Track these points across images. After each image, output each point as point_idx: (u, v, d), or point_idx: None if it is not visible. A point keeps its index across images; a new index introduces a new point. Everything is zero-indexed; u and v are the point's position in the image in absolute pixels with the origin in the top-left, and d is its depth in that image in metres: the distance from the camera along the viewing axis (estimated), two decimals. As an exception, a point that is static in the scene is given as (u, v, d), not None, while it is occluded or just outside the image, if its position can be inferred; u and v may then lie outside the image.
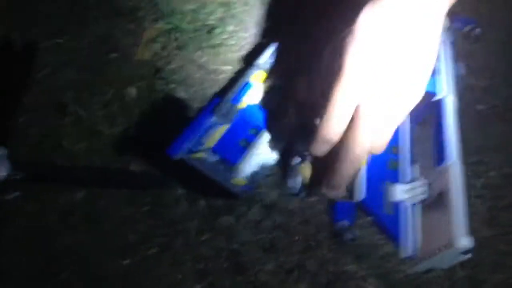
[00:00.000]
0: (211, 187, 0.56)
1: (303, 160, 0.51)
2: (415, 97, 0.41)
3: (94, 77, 0.63)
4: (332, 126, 0.41)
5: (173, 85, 0.63)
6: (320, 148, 0.43)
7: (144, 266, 0.53)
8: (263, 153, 0.55)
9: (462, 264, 0.55)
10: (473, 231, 0.57)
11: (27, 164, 0.54)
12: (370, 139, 0.41)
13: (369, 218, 0.58)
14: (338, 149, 0.43)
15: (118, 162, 0.57)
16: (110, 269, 0.52)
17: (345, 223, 0.55)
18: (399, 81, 0.40)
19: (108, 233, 0.54)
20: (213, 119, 0.52)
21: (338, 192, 0.46)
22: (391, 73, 0.39)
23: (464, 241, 0.46)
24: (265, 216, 0.57)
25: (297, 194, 0.53)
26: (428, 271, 0.55)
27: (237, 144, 0.53)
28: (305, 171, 0.51)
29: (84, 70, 0.64)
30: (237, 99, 0.56)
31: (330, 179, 0.45)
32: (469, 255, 0.48)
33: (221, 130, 0.53)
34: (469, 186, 0.60)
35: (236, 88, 0.59)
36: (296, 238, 0.56)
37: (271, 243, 0.56)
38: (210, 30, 0.67)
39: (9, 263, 0.51)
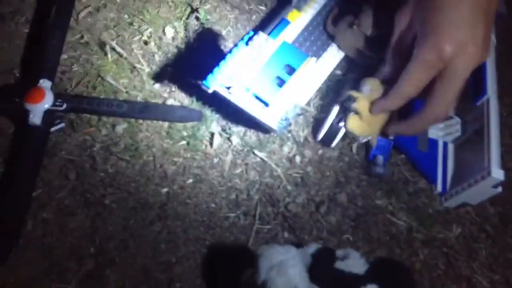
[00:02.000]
0: (245, 122, 0.58)
1: (345, 116, 0.51)
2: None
3: (133, 17, 0.64)
4: (414, 86, 0.45)
5: (208, 25, 0.63)
6: (397, 103, 0.47)
7: (181, 195, 0.55)
8: (295, 93, 0.55)
9: (492, 202, 0.55)
10: (508, 170, 0.56)
11: (71, 97, 0.56)
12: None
13: (402, 156, 0.57)
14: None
15: (157, 97, 0.59)
16: (150, 196, 0.54)
17: (379, 158, 0.55)
18: None
19: (148, 164, 0.56)
20: (248, 51, 0.52)
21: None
22: None
23: (498, 173, 0.46)
24: (297, 152, 0.58)
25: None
26: (459, 207, 0.54)
27: (271, 83, 0.53)
28: (352, 123, 0.51)
29: (123, 10, 0.64)
30: (273, 33, 0.56)
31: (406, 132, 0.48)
32: (499, 190, 0.48)
33: (256, 67, 0.53)
34: (506, 126, 0.59)
35: (271, 24, 0.59)
36: (327, 173, 0.57)
37: (302, 178, 0.56)
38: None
39: (54, 191, 0.53)
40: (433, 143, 0.55)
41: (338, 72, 0.61)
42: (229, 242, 0.52)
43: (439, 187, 0.54)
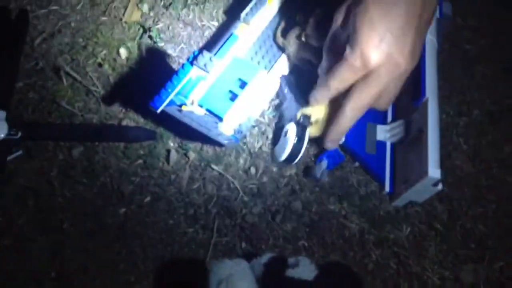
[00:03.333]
0: (201, 138, 0.58)
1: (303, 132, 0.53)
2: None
3: (87, 40, 0.64)
4: (338, 84, 0.47)
5: (161, 44, 0.64)
6: (325, 96, 0.50)
7: (140, 214, 0.55)
8: (248, 106, 0.56)
9: (440, 200, 0.56)
10: (455, 168, 0.58)
11: (26, 124, 0.57)
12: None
13: (355, 164, 0.59)
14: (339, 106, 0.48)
15: (113, 118, 0.59)
16: (108, 217, 0.55)
17: (323, 163, 0.56)
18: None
19: (105, 185, 0.56)
20: (193, 71, 0.53)
21: (335, 143, 0.53)
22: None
23: (435, 173, 0.47)
24: (252, 164, 0.59)
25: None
26: (407, 206, 0.56)
27: (223, 97, 0.53)
28: (311, 132, 0.53)
29: (78, 34, 0.65)
30: (222, 49, 0.56)
31: (331, 134, 0.51)
32: (439, 188, 0.49)
33: (207, 84, 0.54)
34: (453, 125, 0.61)
35: (221, 40, 0.59)
36: (282, 183, 0.58)
37: (258, 188, 0.57)
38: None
39: (13, 218, 0.54)
40: (381, 145, 0.56)
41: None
42: (186, 259, 0.53)
43: (387, 188, 0.55)
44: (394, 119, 0.58)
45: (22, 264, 0.52)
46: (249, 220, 0.56)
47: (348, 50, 0.45)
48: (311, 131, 0.53)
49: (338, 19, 0.49)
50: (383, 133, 0.57)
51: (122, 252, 0.53)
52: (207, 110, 0.53)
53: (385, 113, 0.59)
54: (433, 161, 0.48)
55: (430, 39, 0.57)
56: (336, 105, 0.50)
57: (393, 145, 0.57)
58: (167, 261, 0.53)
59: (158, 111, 0.51)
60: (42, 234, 0.53)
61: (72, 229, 0.54)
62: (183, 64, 0.53)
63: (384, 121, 0.58)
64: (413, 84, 0.55)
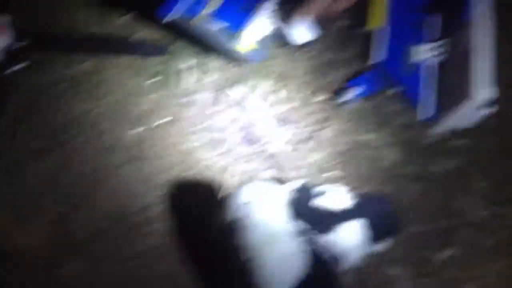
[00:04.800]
0: (221, 55, 0.53)
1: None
2: None
3: None
4: None
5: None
6: None
7: (159, 134, 0.51)
8: (268, 18, 0.51)
9: (487, 132, 0.51)
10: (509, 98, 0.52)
11: (34, 33, 0.51)
12: None
13: (394, 91, 0.54)
14: None
15: (121, 31, 0.54)
16: (123, 136, 0.51)
17: (352, 89, 0.51)
18: None
19: (120, 102, 0.52)
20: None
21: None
22: None
23: (481, 93, 0.42)
24: (280, 87, 0.54)
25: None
26: (451, 137, 0.51)
27: (239, 9, 0.48)
28: None
29: None
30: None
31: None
32: (486, 111, 0.45)
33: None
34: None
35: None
36: (314, 108, 0.53)
37: (286, 114, 0.53)
38: None
39: (21, 130, 0.50)
40: (422, 65, 0.51)
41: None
42: (205, 183, 0.49)
43: (426, 112, 0.50)
44: (437, 39, 0.52)
45: (25, 183, 0.48)
46: (275, 147, 0.51)
47: None
48: None
49: None
50: (425, 52, 0.51)
51: (134, 174, 0.49)
52: (222, 22, 0.48)
53: (427, 32, 0.53)
54: (480, 82, 0.43)
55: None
56: None
57: (435, 68, 0.52)
58: (186, 184, 0.49)
59: (167, 20, 0.46)
60: (50, 152, 0.49)
61: (82, 147, 0.50)
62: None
63: (426, 41, 0.53)
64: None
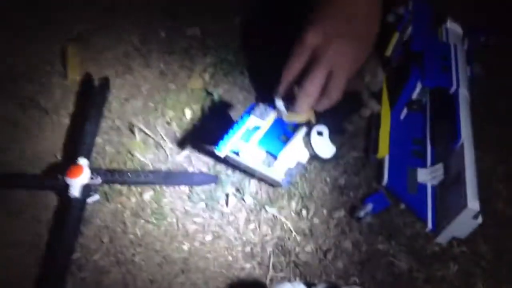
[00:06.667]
0: (256, 182, 0.65)
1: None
2: (333, 98, 0.61)
3: (157, 104, 0.75)
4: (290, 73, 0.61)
5: (221, 105, 0.74)
6: (285, 86, 0.62)
7: (202, 251, 0.61)
8: (299, 150, 0.64)
9: (484, 239, 0.59)
10: (495, 211, 0.61)
11: (104, 171, 0.65)
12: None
13: (401, 206, 0.63)
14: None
15: (179, 167, 0.68)
16: (174, 252, 0.61)
17: (368, 205, 0.61)
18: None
19: (171, 225, 0.63)
20: (251, 120, 0.62)
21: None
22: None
23: (474, 204, 0.51)
24: (304, 206, 0.64)
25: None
26: (453, 245, 0.59)
27: (278, 139, 0.62)
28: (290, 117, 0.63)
29: (149, 99, 0.75)
30: (272, 106, 0.65)
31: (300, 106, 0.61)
32: (479, 221, 0.53)
33: (262, 131, 0.63)
34: (492, 171, 0.65)
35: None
36: (332, 224, 0.63)
37: (309, 229, 0.63)
38: (249, 58, 0.78)
39: (90, 253, 0.60)
40: (422, 186, 0.62)
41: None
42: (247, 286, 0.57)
43: (430, 225, 0.59)
44: (433, 163, 0.63)
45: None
46: (302, 257, 0.60)
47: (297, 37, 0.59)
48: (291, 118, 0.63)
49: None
50: (424, 175, 0.62)
51: (186, 284, 0.58)
52: (265, 149, 0.61)
53: (424, 158, 0.64)
54: (471, 195, 0.53)
55: (463, 92, 0.64)
56: None
57: (433, 187, 0.62)
58: (228, 291, 0.57)
59: (221, 153, 0.59)
60: (116, 267, 0.59)
61: (142, 262, 0.60)
62: (242, 115, 0.62)
63: (423, 165, 0.64)
64: (449, 130, 0.61)
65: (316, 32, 0.59)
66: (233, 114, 0.73)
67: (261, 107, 0.62)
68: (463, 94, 0.63)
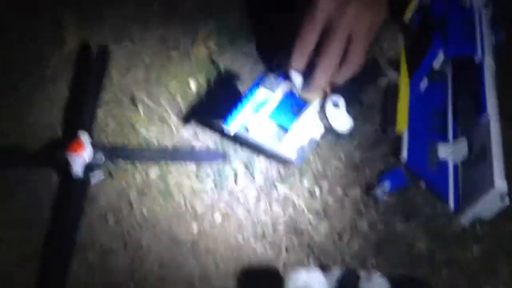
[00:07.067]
0: (266, 159, 0.62)
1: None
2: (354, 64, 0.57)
3: (159, 73, 0.70)
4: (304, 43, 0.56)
5: (227, 75, 0.69)
6: (302, 57, 0.57)
7: (211, 232, 0.58)
8: (312, 123, 0.60)
9: (508, 218, 0.57)
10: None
11: (108, 149, 0.62)
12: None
13: (421, 185, 0.60)
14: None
15: (184, 142, 0.64)
16: (182, 234, 0.58)
17: (386, 184, 0.58)
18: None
19: (179, 204, 0.60)
20: (260, 92, 0.58)
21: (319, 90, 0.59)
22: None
23: (501, 184, 0.48)
24: (316, 184, 0.61)
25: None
26: (475, 225, 0.57)
27: (290, 110, 0.58)
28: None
29: (151, 67, 0.71)
30: (282, 75, 0.61)
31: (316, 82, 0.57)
32: (507, 202, 0.50)
33: (272, 103, 0.59)
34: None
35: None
36: (346, 203, 0.60)
37: (323, 209, 0.60)
38: (255, 23, 0.73)
39: (96, 234, 0.58)
40: (444, 163, 0.58)
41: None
42: (257, 273, 0.55)
43: (452, 205, 0.56)
44: (455, 138, 0.59)
45: (104, 277, 0.55)
46: (316, 239, 0.58)
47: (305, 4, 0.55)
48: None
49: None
50: (446, 151, 0.58)
51: (196, 267, 0.56)
52: (276, 122, 0.57)
53: (446, 132, 0.61)
54: (498, 174, 0.49)
55: (488, 61, 0.60)
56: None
57: (458, 164, 0.59)
58: (240, 275, 0.55)
59: (231, 130, 0.55)
60: (123, 249, 0.57)
61: (150, 244, 0.57)
62: (250, 87, 0.58)
63: (445, 140, 0.60)
64: (473, 103, 0.57)
65: None
66: (240, 85, 0.68)
67: (270, 77, 0.58)
68: (489, 64, 0.59)
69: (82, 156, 0.59)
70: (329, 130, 0.61)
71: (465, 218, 0.55)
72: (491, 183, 0.49)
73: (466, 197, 0.55)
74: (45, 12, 0.74)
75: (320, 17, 0.55)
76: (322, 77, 0.56)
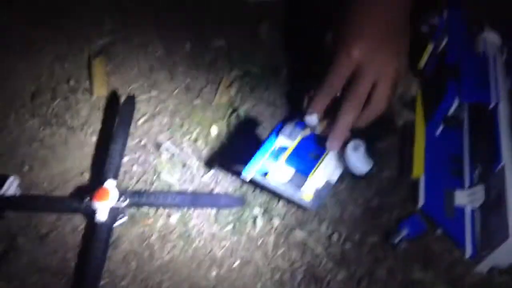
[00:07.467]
0: (285, 204, 0.63)
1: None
2: (379, 108, 0.60)
3: (183, 120, 0.73)
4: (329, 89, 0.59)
5: (247, 122, 0.72)
6: (324, 100, 0.59)
7: (230, 278, 0.59)
8: (329, 169, 0.61)
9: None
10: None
11: (132, 193, 0.65)
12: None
13: (438, 231, 0.60)
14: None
15: (206, 187, 0.66)
16: (201, 280, 0.59)
17: (404, 230, 0.58)
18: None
19: (199, 249, 0.62)
20: (278, 140, 0.60)
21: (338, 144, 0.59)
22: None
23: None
24: (334, 230, 0.62)
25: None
26: (495, 273, 0.56)
27: (308, 156, 0.59)
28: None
29: (174, 115, 0.74)
30: (300, 123, 0.63)
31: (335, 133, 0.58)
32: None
33: (291, 148, 0.60)
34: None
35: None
36: (365, 250, 0.60)
37: (341, 255, 0.60)
38: (275, 71, 0.76)
39: (117, 279, 0.60)
40: (460, 210, 0.58)
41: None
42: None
43: (469, 252, 0.56)
44: (472, 184, 0.59)
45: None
46: (334, 286, 0.58)
47: (333, 54, 0.58)
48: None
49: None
50: (462, 198, 0.58)
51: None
52: (294, 167, 0.59)
53: (462, 178, 0.61)
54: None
55: (503, 108, 0.60)
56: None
57: (472, 210, 0.58)
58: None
59: (248, 179, 0.57)
60: (144, 293, 0.58)
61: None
62: (268, 135, 0.60)
63: (461, 186, 0.60)
64: (489, 149, 0.58)
65: (362, 45, 0.57)
66: (260, 131, 0.70)
67: (289, 126, 0.60)
68: (504, 110, 0.59)
69: (107, 203, 0.62)
70: (347, 173, 0.62)
71: (482, 266, 0.54)
72: (506, 234, 0.49)
73: (482, 245, 0.54)
74: (75, 60, 0.78)
75: (352, 63, 0.58)
76: (347, 117, 0.58)
